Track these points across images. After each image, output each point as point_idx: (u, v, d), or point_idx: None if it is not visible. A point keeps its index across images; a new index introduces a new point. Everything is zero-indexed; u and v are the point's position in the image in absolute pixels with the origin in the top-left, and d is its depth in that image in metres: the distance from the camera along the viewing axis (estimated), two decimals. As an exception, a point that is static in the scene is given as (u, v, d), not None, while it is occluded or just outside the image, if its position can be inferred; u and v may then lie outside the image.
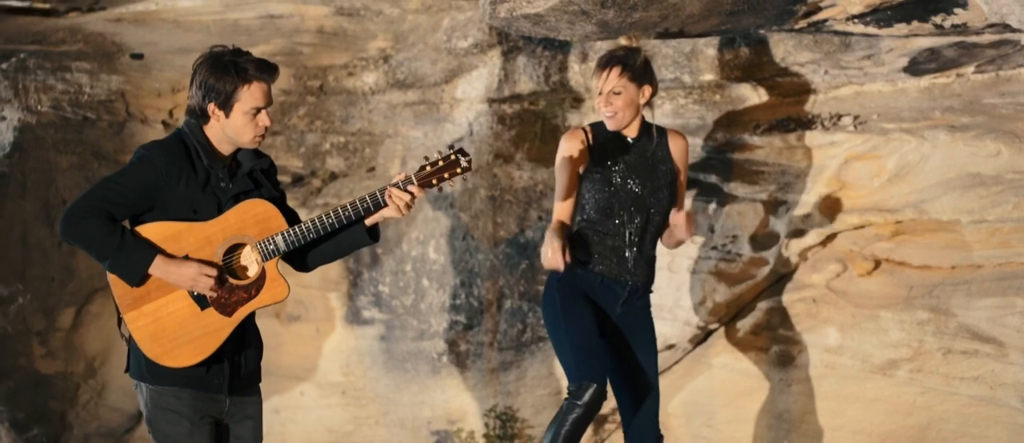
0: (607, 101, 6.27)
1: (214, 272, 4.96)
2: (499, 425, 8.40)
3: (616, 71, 6.24)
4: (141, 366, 5.04)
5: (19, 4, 8.94)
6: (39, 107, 8.34)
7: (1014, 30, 6.36)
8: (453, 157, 5.15)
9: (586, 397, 6.10)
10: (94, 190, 4.94)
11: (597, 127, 6.43)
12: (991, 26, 6.37)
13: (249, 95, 4.99)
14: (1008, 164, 6.77)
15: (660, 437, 6.44)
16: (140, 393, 5.09)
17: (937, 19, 6.39)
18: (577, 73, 8.08)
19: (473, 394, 8.53)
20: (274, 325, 9.01)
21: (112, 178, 4.97)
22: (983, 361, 6.90)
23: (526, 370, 8.41)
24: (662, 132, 6.43)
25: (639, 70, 6.26)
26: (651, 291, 6.50)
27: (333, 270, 8.82)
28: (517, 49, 8.25)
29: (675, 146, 6.43)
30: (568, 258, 6.17)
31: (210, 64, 5.00)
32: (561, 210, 6.42)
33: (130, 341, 5.05)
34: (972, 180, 6.85)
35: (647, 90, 6.31)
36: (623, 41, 6.40)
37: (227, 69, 4.98)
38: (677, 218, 6.27)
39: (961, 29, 6.47)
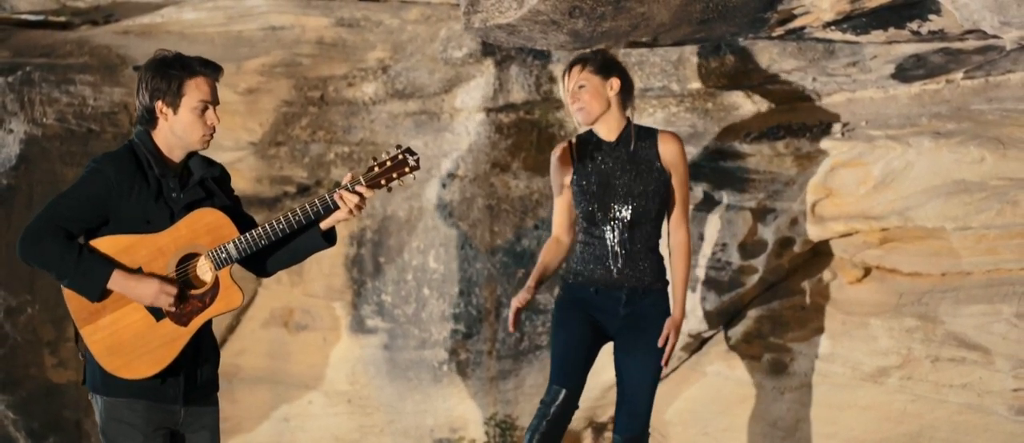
0: (573, 97, 6.32)
1: (174, 290, 5.00)
2: (499, 433, 8.42)
3: (577, 68, 6.30)
4: (96, 378, 5.08)
5: (34, 18, 9.04)
6: (45, 120, 8.44)
7: (996, 36, 6.31)
8: (400, 157, 5.15)
9: (548, 398, 6.29)
10: (49, 209, 4.98)
11: (581, 139, 6.46)
12: (972, 32, 6.32)
13: (196, 88, 5.04)
14: (992, 170, 6.72)
15: (644, 435, 6.41)
16: (95, 405, 5.13)
17: (913, 25, 6.35)
18: (566, 82, 8.11)
19: (474, 402, 8.56)
20: (282, 334, 9.08)
21: (66, 194, 5.01)
22: (971, 368, 6.85)
23: (524, 378, 8.43)
24: (651, 134, 6.42)
25: (600, 63, 6.30)
26: (666, 282, 6.49)
27: (338, 279, 8.88)
28: (509, 59, 8.27)
29: (665, 147, 6.37)
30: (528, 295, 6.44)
31: (155, 66, 5.06)
32: (556, 226, 6.58)
33: (86, 355, 5.10)
34: (956, 187, 6.80)
35: (614, 82, 6.31)
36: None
37: (172, 65, 5.04)
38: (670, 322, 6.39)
39: (940, 35, 6.42)
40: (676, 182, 6.39)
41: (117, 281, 4.97)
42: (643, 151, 6.36)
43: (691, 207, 7.54)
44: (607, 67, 6.33)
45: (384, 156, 5.17)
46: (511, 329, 6.46)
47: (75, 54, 8.72)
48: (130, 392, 5.04)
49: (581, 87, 6.29)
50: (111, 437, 5.09)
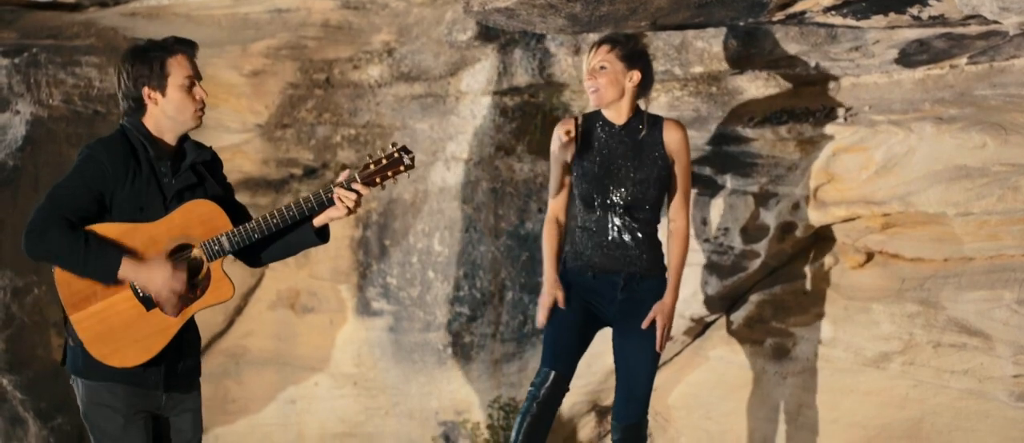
0: (591, 75, 6.29)
1: (183, 281, 5.01)
2: (503, 416, 8.44)
3: (605, 48, 6.26)
4: (77, 362, 5.09)
5: (43, -1, 9.05)
6: (50, 101, 8.45)
7: (997, 21, 6.28)
8: (396, 155, 5.17)
9: (538, 380, 6.31)
10: (49, 201, 4.96)
11: (588, 117, 6.44)
12: (973, 17, 6.29)
13: (178, 66, 5.07)
14: (994, 156, 6.68)
15: (642, 421, 6.41)
16: (76, 388, 5.16)
17: (913, 10, 6.31)
18: (569, 66, 8.07)
19: (478, 385, 8.57)
20: (289, 316, 9.11)
21: (62, 184, 5.00)
22: (972, 354, 6.83)
23: (528, 361, 8.44)
24: (657, 121, 6.41)
25: (629, 51, 6.28)
26: (664, 268, 6.48)
27: (343, 262, 8.89)
28: (513, 42, 8.26)
29: (670, 136, 6.37)
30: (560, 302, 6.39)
31: (133, 54, 5.11)
32: (553, 203, 6.54)
33: (73, 339, 5.09)
34: (958, 172, 6.77)
35: (635, 75, 6.29)
36: None
37: (150, 50, 5.08)
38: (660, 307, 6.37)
39: (941, 20, 6.39)
40: (678, 170, 6.39)
41: (127, 267, 4.97)
42: (648, 138, 6.35)
43: (694, 191, 7.54)
44: (633, 57, 6.30)
45: (379, 154, 5.18)
46: (542, 324, 6.44)
47: (82, 36, 8.72)
48: (111, 376, 5.06)
49: (602, 68, 6.26)
50: (93, 420, 5.13)
